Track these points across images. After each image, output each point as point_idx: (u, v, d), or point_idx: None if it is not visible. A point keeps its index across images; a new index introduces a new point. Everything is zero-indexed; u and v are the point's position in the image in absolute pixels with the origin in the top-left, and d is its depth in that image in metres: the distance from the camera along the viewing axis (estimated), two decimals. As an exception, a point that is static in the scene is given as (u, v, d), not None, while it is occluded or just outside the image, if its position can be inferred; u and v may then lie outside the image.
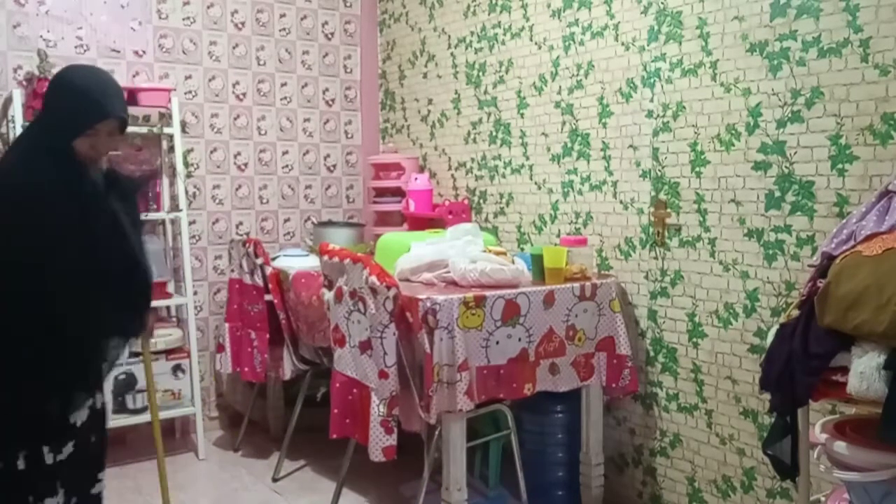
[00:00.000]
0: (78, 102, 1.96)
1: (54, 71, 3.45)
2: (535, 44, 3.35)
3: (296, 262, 3.59)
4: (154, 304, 2.15)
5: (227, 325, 3.63)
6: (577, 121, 3.16)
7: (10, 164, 1.98)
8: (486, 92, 3.65)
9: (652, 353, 2.91)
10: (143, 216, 2.20)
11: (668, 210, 2.79)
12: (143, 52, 3.77)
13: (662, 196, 2.82)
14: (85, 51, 3.62)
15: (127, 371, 3.45)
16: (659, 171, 2.83)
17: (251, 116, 4.10)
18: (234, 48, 4.02)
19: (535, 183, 3.39)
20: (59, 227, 1.86)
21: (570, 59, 3.17)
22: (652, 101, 2.83)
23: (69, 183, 1.93)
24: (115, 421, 3.47)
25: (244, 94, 4.06)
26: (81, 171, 1.99)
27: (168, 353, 3.57)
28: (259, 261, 3.42)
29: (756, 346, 2.52)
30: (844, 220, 1.92)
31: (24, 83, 3.43)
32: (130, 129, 3.49)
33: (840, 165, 2.28)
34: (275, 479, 3.37)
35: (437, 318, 2.46)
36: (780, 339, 1.83)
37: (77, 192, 1.93)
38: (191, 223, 3.88)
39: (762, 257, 2.50)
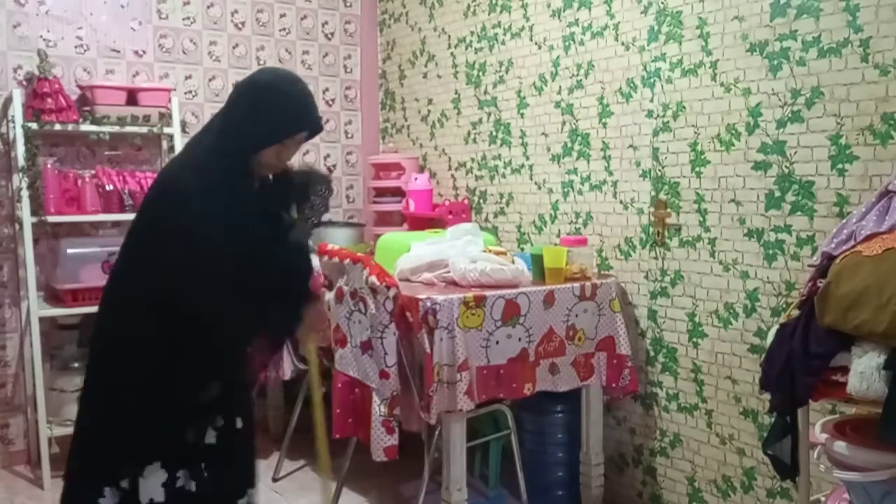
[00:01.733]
0: (286, 111, 1.86)
1: (54, 71, 3.49)
2: (536, 44, 3.35)
3: (296, 261, 3.58)
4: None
5: (227, 324, 3.62)
6: (577, 121, 3.16)
7: (190, 167, 1.88)
8: (486, 92, 3.65)
9: (652, 353, 2.91)
10: (321, 217, 2.12)
11: (668, 210, 2.79)
12: (143, 52, 3.77)
13: (662, 196, 2.82)
14: (85, 51, 3.62)
15: (127, 371, 3.44)
16: (659, 171, 2.83)
17: (251, 116, 4.09)
18: (234, 48, 4.02)
19: (535, 183, 3.39)
20: (231, 239, 1.82)
21: (570, 59, 3.17)
22: (652, 101, 2.83)
23: (247, 194, 1.89)
24: (115, 421, 3.48)
25: (244, 94, 4.06)
26: (257, 180, 1.95)
27: (168, 352, 3.56)
28: (259, 261, 3.41)
29: (756, 346, 2.53)
30: (844, 220, 1.92)
31: (24, 83, 3.43)
32: (129, 129, 3.52)
33: (840, 165, 2.28)
34: (275, 479, 3.37)
35: (437, 318, 2.46)
36: (780, 339, 1.83)
37: (252, 202, 1.90)
38: (191, 223, 3.87)
39: (762, 257, 2.50)
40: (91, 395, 2.00)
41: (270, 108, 1.85)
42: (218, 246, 1.80)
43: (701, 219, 2.69)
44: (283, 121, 1.86)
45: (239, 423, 2.00)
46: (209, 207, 1.79)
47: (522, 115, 3.44)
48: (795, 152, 2.39)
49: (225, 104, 1.95)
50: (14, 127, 3.33)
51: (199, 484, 1.91)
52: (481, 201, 3.72)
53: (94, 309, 3.36)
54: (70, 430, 3.36)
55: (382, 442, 2.55)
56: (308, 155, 4.28)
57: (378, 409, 2.57)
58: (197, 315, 1.82)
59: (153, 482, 1.87)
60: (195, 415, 1.92)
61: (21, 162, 3.28)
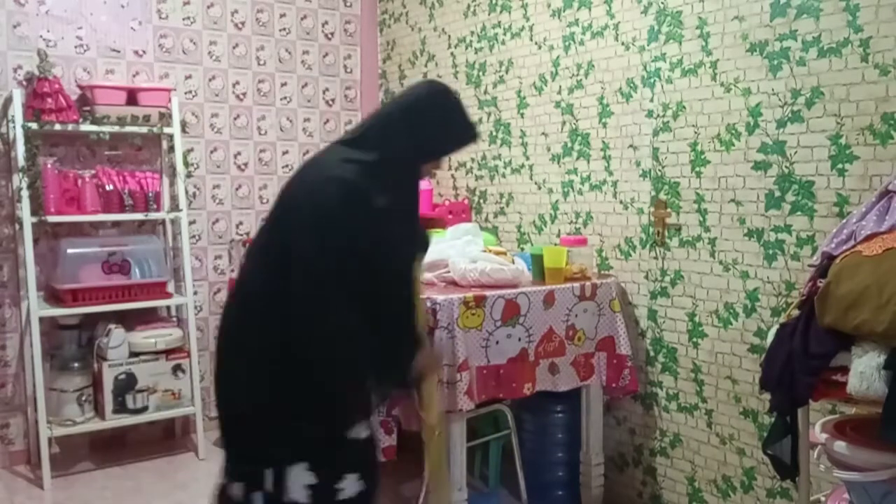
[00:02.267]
0: (464, 124, 1.95)
1: (55, 71, 3.49)
2: (536, 44, 3.35)
3: (296, 261, 3.59)
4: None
5: (227, 324, 3.63)
6: (577, 121, 3.16)
7: (366, 175, 1.78)
8: (486, 92, 3.65)
9: (652, 353, 2.91)
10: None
11: (668, 210, 2.79)
12: (143, 52, 3.77)
13: (662, 196, 2.82)
14: (85, 51, 3.62)
15: (127, 371, 3.45)
16: (659, 170, 2.83)
17: (251, 116, 4.09)
18: (234, 48, 4.02)
19: (535, 183, 3.39)
20: (399, 248, 1.83)
21: (570, 58, 3.17)
22: (652, 100, 2.83)
23: (414, 205, 1.92)
24: (115, 421, 3.48)
25: (244, 94, 4.06)
26: (417, 189, 1.97)
27: (168, 353, 3.56)
28: (259, 261, 3.41)
29: (756, 346, 2.52)
30: (844, 220, 1.92)
31: (24, 83, 3.43)
32: (129, 128, 3.52)
33: (840, 165, 2.28)
34: (275, 479, 3.36)
35: (437, 318, 2.46)
36: (781, 339, 1.83)
37: (415, 215, 1.93)
38: (191, 223, 3.88)
39: (762, 257, 2.50)
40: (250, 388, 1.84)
41: (452, 119, 1.91)
42: (392, 261, 1.80)
43: (701, 219, 2.68)
44: (461, 132, 1.94)
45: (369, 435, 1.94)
46: (387, 218, 1.77)
47: (522, 115, 3.44)
48: (795, 152, 2.39)
49: (387, 115, 1.92)
50: (14, 127, 3.33)
51: (343, 491, 1.85)
52: (481, 201, 3.72)
53: (94, 309, 3.40)
54: (70, 430, 3.38)
55: (381, 442, 2.55)
56: (308, 155, 4.27)
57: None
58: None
59: (298, 483, 1.79)
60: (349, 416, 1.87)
61: (21, 162, 3.28)
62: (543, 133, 3.33)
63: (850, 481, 1.75)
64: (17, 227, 3.40)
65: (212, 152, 3.99)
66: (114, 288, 3.46)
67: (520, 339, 2.63)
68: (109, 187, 3.49)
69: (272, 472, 1.79)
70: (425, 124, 1.87)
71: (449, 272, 2.78)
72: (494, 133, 3.61)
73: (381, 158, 1.80)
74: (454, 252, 2.85)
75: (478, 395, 2.54)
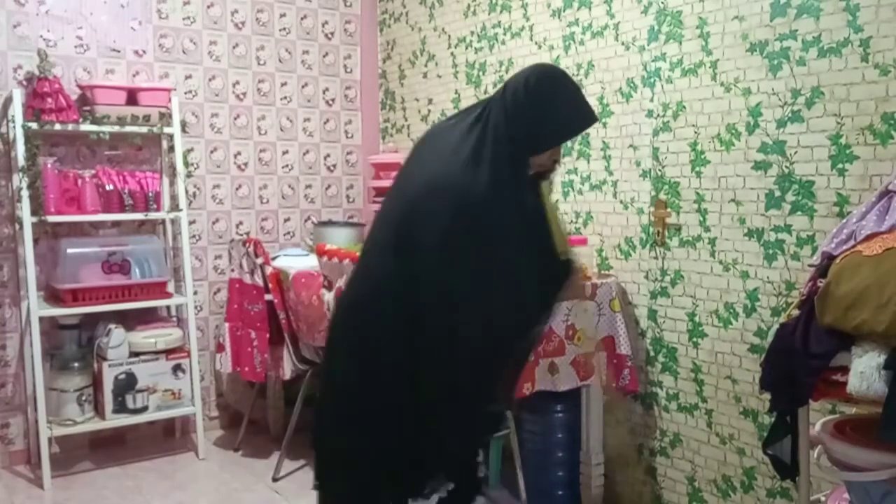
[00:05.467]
0: (572, 109, 1.78)
1: (55, 71, 3.50)
2: (536, 43, 3.35)
3: (296, 261, 3.59)
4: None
5: (227, 324, 3.63)
6: (577, 120, 3.16)
7: (474, 173, 1.72)
8: (486, 92, 3.65)
9: (652, 353, 2.91)
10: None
11: (668, 210, 2.79)
12: (143, 51, 3.77)
13: (662, 196, 2.82)
14: (85, 51, 3.62)
15: (127, 371, 3.45)
16: (659, 170, 2.83)
17: (251, 116, 4.10)
18: (234, 48, 4.02)
19: (535, 183, 3.39)
20: (522, 249, 1.73)
21: (571, 58, 3.17)
22: (652, 100, 2.83)
23: (532, 201, 1.79)
24: (115, 421, 3.48)
25: (244, 94, 4.06)
26: (533, 185, 1.83)
27: (168, 352, 3.56)
28: (259, 260, 3.42)
29: (756, 345, 2.52)
30: (844, 220, 1.91)
31: (24, 83, 3.43)
32: (129, 128, 3.52)
33: (840, 165, 2.28)
34: (275, 479, 3.37)
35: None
36: (781, 339, 1.83)
37: (533, 210, 1.80)
38: (191, 223, 3.88)
39: (762, 257, 2.50)
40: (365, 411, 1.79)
41: (557, 108, 1.76)
42: (515, 265, 1.72)
43: (701, 219, 2.68)
44: (570, 120, 1.79)
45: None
46: (505, 219, 1.70)
47: (522, 115, 3.44)
48: (795, 152, 2.39)
49: (497, 102, 1.80)
50: (14, 127, 3.33)
51: None
52: (481, 201, 3.71)
53: (94, 309, 3.40)
54: (70, 430, 3.38)
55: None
56: (308, 155, 4.28)
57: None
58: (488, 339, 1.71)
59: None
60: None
61: (21, 162, 3.28)
62: (543, 133, 3.33)
63: (850, 481, 1.75)
64: (17, 226, 3.40)
65: (212, 152, 3.99)
66: (114, 288, 3.46)
67: (520, 339, 2.62)
68: (109, 187, 3.49)
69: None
70: (537, 113, 1.75)
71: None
72: (494, 133, 3.61)
73: (504, 152, 1.73)
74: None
75: (478, 394, 2.53)
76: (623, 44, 2.94)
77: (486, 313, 1.69)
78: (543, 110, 1.75)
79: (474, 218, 1.67)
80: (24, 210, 3.28)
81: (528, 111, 1.75)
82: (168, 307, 3.82)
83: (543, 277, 1.80)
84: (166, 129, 3.64)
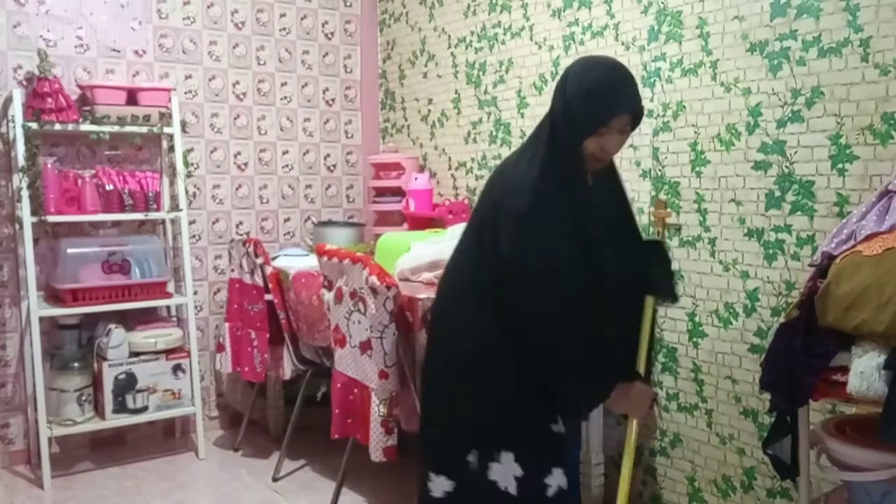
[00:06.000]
0: (590, 97, 1.82)
1: (55, 71, 3.49)
2: (536, 43, 3.35)
3: (296, 261, 3.59)
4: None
5: (227, 324, 3.64)
6: (577, 120, 3.16)
7: (517, 165, 1.92)
8: (486, 92, 3.65)
9: (652, 353, 2.90)
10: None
11: (668, 210, 2.79)
12: (143, 51, 3.77)
13: (662, 196, 2.82)
14: (85, 51, 3.62)
15: (127, 371, 3.45)
16: (659, 170, 2.83)
17: (251, 116, 4.10)
18: (234, 48, 4.02)
19: (535, 183, 3.38)
20: (566, 246, 1.81)
21: (571, 58, 3.16)
22: (652, 100, 2.83)
23: (576, 193, 1.85)
24: (115, 421, 3.48)
25: (244, 94, 4.06)
26: (584, 176, 1.90)
27: (168, 352, 3.56)
28: (259, 260, 3.42)
29: (756, 345, 2.52)
30: (844, 220, 1.91)
31: (24, 83, 3.43)
32: (129, 128, 3.52)
33: (840, 165, 2.27)
34: (275, 479, 3.37)
35: (437, 318, 2.46)
36: (781, 339, 1.83)
37: (580, 204, 1.85)
38: (191, 223, 3.88)
39: (762, 257, 2.50)
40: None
41: (577, 97, 1.83)
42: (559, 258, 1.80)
43: (701, 218, 2.68)
44: (595, 102, 1.82)
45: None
46: (544, 213, 1.79)
47: (523, 115, 3.44)
48: (795, 152, 2.39)
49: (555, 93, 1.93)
50: (14, 127, 3.33)
51: (550, 488, 1.87)
52: (481, 201, 3.72)
53: (94, 309, 3.40)
54: (70, 430, 3.38)
55: (381, 442, 2.55)
56: (308, 155, 4.28)
57: (377, 409, 2.56)
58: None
59: (508, 473, 1.84)
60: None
61: (21, 162, 3.28)
62: (543, 133, 3.33)
63: (850, 481, 1.75)
64: (17, 226, 3.39)
65: (212, 152, 3.99)
66: (114, 288, 3.46)
67: (520, 339, 2.62)
68: (109, 187, 3.49)
69: (476, 454, 1.85)
70: (567, 100, 1.84)
71: (449, 272, 2.77)
72: (494, 133, 3.61)
73: (547, 137, 1.88)
74: (454, 252, 2.85)
75: (478, 394, 2.53)
76: (623, 44, 2.94)
77: (540, 281, 1.80)
78: (579, 91, 1.84)
79: (520, 205, 1.80)
80: (24, 210, 3.28)
81: (568, 91, 1.85)
82: (168, 307, 3.82)
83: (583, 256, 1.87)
84: (166, 129, 3.64)
